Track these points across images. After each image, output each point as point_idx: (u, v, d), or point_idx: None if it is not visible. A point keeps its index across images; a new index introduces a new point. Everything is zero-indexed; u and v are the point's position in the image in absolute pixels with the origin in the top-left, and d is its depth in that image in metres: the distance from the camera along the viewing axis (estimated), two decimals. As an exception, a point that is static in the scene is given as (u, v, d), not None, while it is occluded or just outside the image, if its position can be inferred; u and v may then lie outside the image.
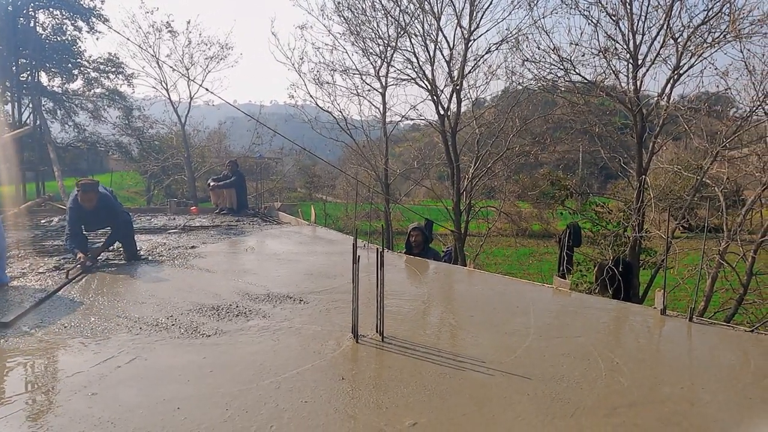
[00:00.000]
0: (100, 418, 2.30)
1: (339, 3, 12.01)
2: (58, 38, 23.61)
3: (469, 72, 11.38)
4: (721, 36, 7.86)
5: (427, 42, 11.34)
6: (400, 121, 13.00)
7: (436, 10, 11.08)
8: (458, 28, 11.16)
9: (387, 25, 11.66)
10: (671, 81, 8.51)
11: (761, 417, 2.48)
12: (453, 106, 11.48)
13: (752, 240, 7.52)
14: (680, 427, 2.30)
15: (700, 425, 2.33)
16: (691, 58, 8.30)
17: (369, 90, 12.66)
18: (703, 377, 2.87)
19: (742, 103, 8.22)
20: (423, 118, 12.78)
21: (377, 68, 12.25)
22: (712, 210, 7.98)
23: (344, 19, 12.06)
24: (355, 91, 12.78)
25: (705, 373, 2.94)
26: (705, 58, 8.22)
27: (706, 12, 8.06)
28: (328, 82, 12.82)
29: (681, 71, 8.42)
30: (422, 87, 11.64)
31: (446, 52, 11.35)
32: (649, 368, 3.01)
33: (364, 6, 11.77)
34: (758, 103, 7.41)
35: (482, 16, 11.14)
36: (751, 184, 9.11)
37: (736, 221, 7.48)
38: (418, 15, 11.27)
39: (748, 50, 7.56)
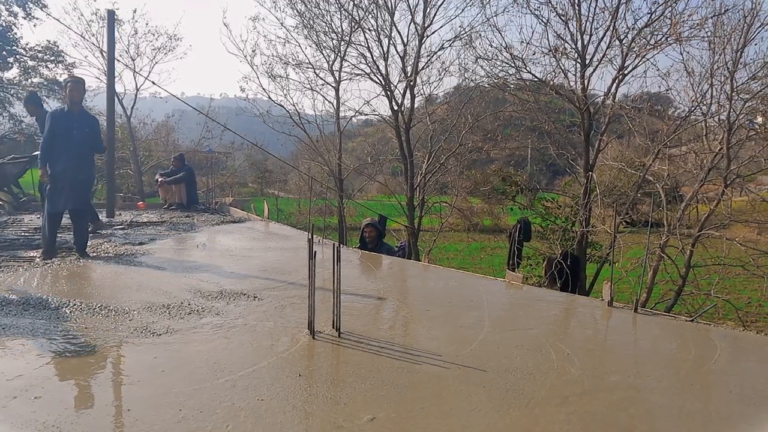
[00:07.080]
0: (45, 423, 2.19)
1: (292, -5, 11.83)
2: (-9, 24, 22.39)
3: (423, 68, 11.46)
4: (663, 38, 8.19)
5: (381, 37, 11.34)
6: (353, 116, 12.95)
7: (389, 5, 11.09)
8: (412, 23, 11.22)
9: (341, 19, 11.57)
10: (616, 81, 8.80)
11: (702, 402, 2.61)
12: (406, 102, 11.54)
13: (690, 234, 7.90)
14: (628, 413, 2.40)
15: (646, 410, 2.43)
16: (635, 59, 8.62)
17: (322, 84, 12.53)
18: (648, 365, 3.00)
19: (682, 104, 8.62)
20: (377, 113, 12.79)
21: (331, 62, 12.15)
22: (653, 205, 8.33)
23: (297, 12, 11.89)
24: (308, 85, 12.61)
25: (650, 362, 3.07)
26: (648, 59, 8.56)
27: (649, 15, 8.37)
28: (280, 76, 12.59)
29: (626, 71, 8.72)
30: (376, 82, 11.62)
31: (400, 47, 11.38)
32: (598, 358, 3.12)
33: (317, -1, 11.64)
34: (696, 103, 7.76)
35: (435, 12, 11.24)
36: (688, 180, 9.54)
37: (675, 216, 7.83)
38: (372, 10, 11.25)
39: (688, 53, 7.92)
